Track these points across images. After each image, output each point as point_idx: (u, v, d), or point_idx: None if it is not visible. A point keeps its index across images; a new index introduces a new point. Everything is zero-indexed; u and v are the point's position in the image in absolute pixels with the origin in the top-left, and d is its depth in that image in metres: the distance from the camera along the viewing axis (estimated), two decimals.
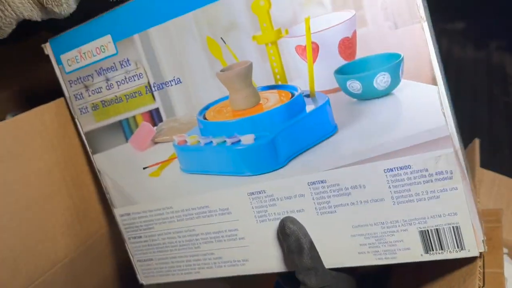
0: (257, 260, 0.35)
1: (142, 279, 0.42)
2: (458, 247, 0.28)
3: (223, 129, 0.33)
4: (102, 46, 0.36)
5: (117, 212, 0.40)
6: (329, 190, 0.30)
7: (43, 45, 0.38)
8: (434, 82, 0.26)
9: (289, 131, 0.30)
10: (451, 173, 0.27)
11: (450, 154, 0.26)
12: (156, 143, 0.37)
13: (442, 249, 0.29)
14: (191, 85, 0.33)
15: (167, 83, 0.34)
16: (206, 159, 0.34)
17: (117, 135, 0.38)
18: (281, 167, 0.31)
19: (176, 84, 0.34)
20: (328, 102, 0.29)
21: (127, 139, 0.37)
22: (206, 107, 0.34)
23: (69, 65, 0.38)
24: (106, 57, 0.36)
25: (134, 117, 0.37)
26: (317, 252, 0.32)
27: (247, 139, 0.32)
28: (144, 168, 0.37)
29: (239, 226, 0.35)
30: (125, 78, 0.36)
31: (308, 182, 0.31)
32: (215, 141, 0.34)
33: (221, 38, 0.31)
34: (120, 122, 0.37)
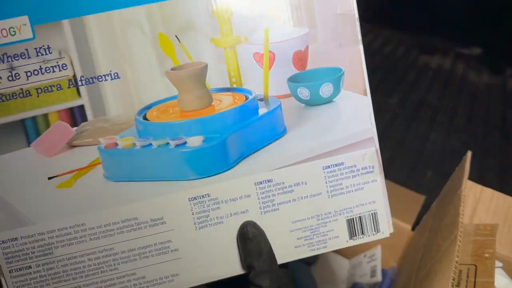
0: (189, 271, 0.34)
1: None
2: (375, 231, 0.35)
3: (168, 131, 0.32)
4: (12, 28, 0.29)
5: None
6: (274, 189, 0.33)
7: None
8: (365, 93, 0.34)
9: (241, 132, 0.32)
10: (373, 167, 0.34)
11: (373, 152, 0.34)
12: (73, 146, 0.32)
13: (363, 234, 0.35)
14: (132, 82, 0.31)
15: (100, 77, 0.31)
16: (140, 164, 0.32)
17: (14, 137, 0.31)
18: (229, 169, 0.33)
19: (112, 79, 0.31)
20: (279, 106, 0.33)
21: (29, 143, 0.31)
22: (148, 107, 0.32)
23: None
24: (16, 42, 0.30)
25: (45, 115, 0.31)
26: (274, 255, 0.34)
27: (195, 140, 0.32)
28: (49, 178, 0.32)
29: (173, 236, 0.33)
30: (40, 68, 0.30)
31: (255, 182, 0.33)
32: (156, 143, 0.32)
33: (176, 36, 0.31)
34: (22, 121, 0.31)
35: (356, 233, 0.36)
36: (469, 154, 0.43)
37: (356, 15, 0.33)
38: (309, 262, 0.68)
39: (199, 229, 0.34)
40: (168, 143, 0.32)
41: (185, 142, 0.33)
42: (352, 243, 0.36)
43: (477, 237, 0.41)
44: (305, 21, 0.33)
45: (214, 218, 0.34)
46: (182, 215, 0.33)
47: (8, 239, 0.32)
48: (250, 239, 0.33)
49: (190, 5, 0.31)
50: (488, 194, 0.52)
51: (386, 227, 0.36)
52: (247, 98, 0.33)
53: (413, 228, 0.64)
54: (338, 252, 0.69)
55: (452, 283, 0.34)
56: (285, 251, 0.35)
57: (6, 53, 0.30)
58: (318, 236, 0.36)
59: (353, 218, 0.36)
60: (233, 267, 0.35)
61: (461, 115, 1.42)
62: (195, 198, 0.33)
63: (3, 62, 0.30)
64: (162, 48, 0.32)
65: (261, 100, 0.33)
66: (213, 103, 0.33)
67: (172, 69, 0.32)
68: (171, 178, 0.33)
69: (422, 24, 1.84)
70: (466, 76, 1.53)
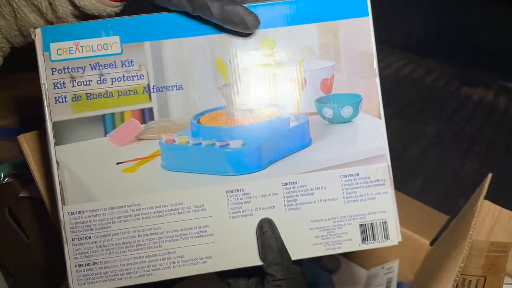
0: (221, 255, 0.38)
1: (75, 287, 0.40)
2: (385, 238, 0.40)
3: (215, 134, 0.39)
4: (106, 44, 0.38)
5: (67, 210, 0.38)
6: (298, 190, 0.39)
7: (31, 29, 0.38)
8: (380, 117, 0.40)
9: (274, 140, 0.39)
10: (384, 181, 0.40)
11: (385, 167, 0.40)
12: (140, 139, 0.39)
13: (374, 240, 0.40)
14: (192, 93, 0.39)
15: (168, 87, 0.39)
16: (191, 158, 0.39)
17: (95, 128, 0.38)
18: (261, 169, 0.39)
19: (177, 89, 0.39)
20: (307, 121, 0.39)
21: (106, 133, 0.39)
22: (202, 113, 0.39)
23: (58, 54, 0.38)
24: (107, 55, 0.38)
25: (122, 113, 0.39)
26: (286, 250, 0.38)
27: (236, 143, 0.39)
28: (118, 163, 0.38)
29: (210, 222, 0.38)
30: (123, 77, 0.38)
31: (282, 183, 0.39)
32: (205, 143, 0.39)
33: (229, 60, 0.39)
34: (102, 116, 0.38)
35: (368, 238, 0.40)
36: (489, 176, 0.47)
37: (374, 54, 0.40)
38: (331, 270, 0.71)
39: (232, 218, 0.39)
40: (214, 144, 0.39)
41: (228, 144, 0.39)
42: (364, 247, 0.40)
43: (490, 253, 0.43)
44: (332, 56, 0.40)
45: (245, 210, 0.39)
46: (219, 204, 0.39)
47: (76, 211, 0.39)
48: (264, 233, 0.38)
49: (242, 38, 0.39)
50: (507, 215, 0.53)
51: (395, 236, 0.40)
52: (281, 113, 0.40)
53: (431, 244, 0.66)
54: (358, 262, 0.71)
55: (452, 285, 0.36)
56: (304, 246, 0.40)
57: (98, 63, 0.39)
58: (333, 237, 0.40)
59: (365, 224, 0.40)
60: (255, 257, 0.39)
61: (499, 147, 1.41)
62: (231, 191, 0.39)
63: (95, 69, 0.39)
64: (218, 68, 0.39)
65: (293, 115, 0.39)
66: (253, 115, 0.40)
67: (223, 85, 0.40)
68: (214, 172, 0.39)
69: (466, 56, 1.86)
70: (508, 110, 1.52)
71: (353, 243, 0.40)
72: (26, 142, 0.43)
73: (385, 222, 0.40)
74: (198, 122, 0.40)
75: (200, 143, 0.39)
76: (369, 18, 0.40)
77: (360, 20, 0.40)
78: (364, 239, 0.40)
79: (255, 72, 0.40)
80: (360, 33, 0.40)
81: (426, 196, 1.21)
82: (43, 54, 0.38)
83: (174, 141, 0.39)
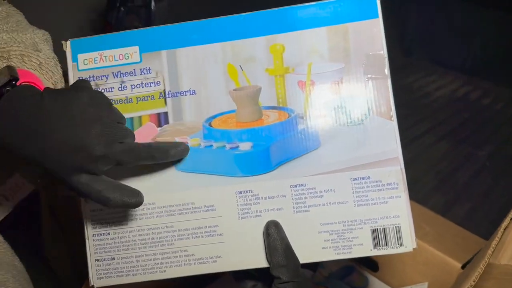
0: (230, 256, 0.39)
1: (95, 282, 0.40)
2: (398, 244, 0.38)
3: (225, 136, 0.40)
4: (127, 54, 0.41)
5: (88, 207, 0.40)
6: (306, 192, 0.39)
7: (63, 41, 0.42)
8: (392, 119, 0.39)
9: (283, 142, 0.39)
10: (397, 184, 0.38)
11: (398, 170, 0.38)
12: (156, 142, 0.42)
13: (386, 245, 0.38)
14: (204, 98, 0.40)
15: (182, 92, 0.40)
16: (202, 159, 0.40)
17: None
18: (270, 171, 0.39)
19: (190, 94, 0.40)
20: (316, 123, 0.39)
21: None
22: (213, 117, 0.40)
23: (85, 64, 0.41)
24: (128, 63, 0.41)
25: (140, 117, 0.41)
26: (292, 252, 0.38)
27: (245, 146, 0.39)
28: None
29: (220, 222, 0.39)
30: (142, 83, 0.41)
31: (291, 185, 0.39)
32: (216, 145, 0.40)
33: (240, 66, 0.40)
34: None
35: (380, 243, 0.38)
36: None
37: (386, 56, 0.39)
38: None
39: (241, 219, 0.39)
40: (224, 146, 0.40)
41: (238, 146, 0.40)
42: (376, 252, 0.38)
43: None
44: (341, 59, 0.39)
45: (254, 211, 0.39)
46: (229, 205, 0.39)
47: (97, 209, 0.41)
48: (269, 235, 0.38)
49: (253, 44, 0.40)
50: None
51: (409, 242, 0.38)
52: (289, 115, 0.40)
53: (463, 267, 0.62)
54: (386, 281, 0.67)
55: None
56: (313, 250, 0.39)
57: (120, 71, 0.42)
58: (343, 241, 0.39)
59: (377, 229, 0.38)
60: (263, 259, 0.39)
61: None
62: (240, 192, 0.39)
63: (117, 77, 0.42)
64: (229, 74, 0.41)
65: (301, 118, 0.39)
66: (262, 118, 0.40)
67: (234, 90, 0.40)
68: (224, 173, 0.40)
69: None
70: None
71: (364, 248, 0.38)
72: None
73: (398, 227, 0.38)
74: (210, 125, 0.41)
75: (211, 145, 0.40)
76: (379, 20, 0.39)
77: (370, 22, 0.39)
78: (376, 244, 0.38)
79: (265, 76, 0.40)
80: (370, 35, 0.39)
81: (472, 222, 1.15)
82: (72, 64, 0.42)
83: (187, 143, 0.41)
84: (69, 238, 0.62)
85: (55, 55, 0.45)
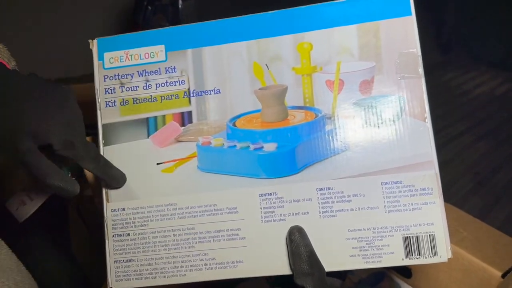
0: (252, 261, 0.36)
1: (113, 284, 0.39)
2: (432, 253, 0.35)
3: (250, 136, 0.37)
4: (153, 52, 0.40)
5: (110, 207, 0.39)
6: (333, 196, 0.36)
7: (90, 40, 0.41)
8: (426, 121, 0.36)
9: (309, 143, 0.37)
10: (431, 190, 0.35)
11: (432, 175, 0.35)
12: (179, 141, 0.39)
13: (419, 255, 0.35)
14: (229, 97, 0.38)
15: (207, 91, 0.39)
16: (225, 160, 0.38)
17: (139, 130, 0.39)
18: (295, 173, 0.37)
19: (215, 93, 0.39)
20: (344, 124, 0.36)
21: (148, 135, 0.40)
22: (238, 116, 0.38)
23: (110, 63, 0.40)
24: (153, 62, 0.40)
25: (163, 116, 0.39)
26: (317, 259, 0.35)
27: (270, 146, 0.37)
28: (158, 164, 0.39)
29: (243, 225, 0.37)
30: (166, 82, 0.39)
31: (317, 188, 0.36)
32: (239, 145, 0.38)
33: (266, 64, 0.38)
34: (146, 119, 0.40)
35: (413, 252, 0.35)
36: None
37: (419, 54, 0.36)
38: None
39: (265, 222, 0.37)
40: (248, 146, 0.38)
41: (262, 147, 0.38)
42: (408, 262, 0.35)
43: None
44: (372, 57, 0.37)
45: (278, 214, 0.37)
46: (252, 207, 0.37)
47: (118, 209, 0.39)
48: (292, 242, 0.35)
49: (279, 42, 0.38)
50: None
51: (444, 252, 0.34)
52: (316, 116, 0.37)
53: (503, 276, 0.57)
54: None
55: None
56: (340, 258, 0.36)
57: (145, 70, 0.40)
58: (373, 249, 0.36)
59: (409, 237, 0.35)
60: (286, 266, 0.36)
61: None
62: (264, 195, 0.37)
63: (142, 76, 0.40)
64: (254, 73, 0.39)
65: (329, 118, 0.37)
66: (288, 118, 0.38)
67: (259, 89, 0.38)
68: (248, 175, 0.37)
69: None
70: None
71: (395, 257, 0.35)
72: None
73: (432, 235, 0.35)
74: (234, 125, 0.39)
75: (234, 146, 0.38)
76: (413, 17, 0.37)
77: (402, 20, 0.36)
78: (408, 253, 0.35)
79: (291, 75, 0.38)
80: (403, 33, 0.37)
81: None
82: (98, 63, 0.41)
83: (210, 143, 0.39)
84: (95, 238, 0.61)
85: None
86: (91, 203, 0.58)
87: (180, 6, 1.31)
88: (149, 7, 1.31)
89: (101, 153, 0.40)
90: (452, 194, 1.25)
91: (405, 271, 0.62)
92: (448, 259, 0.35)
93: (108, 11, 1.50)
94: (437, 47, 2.00)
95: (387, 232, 0.35)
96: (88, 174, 0.43)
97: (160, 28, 0.41)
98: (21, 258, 0.43)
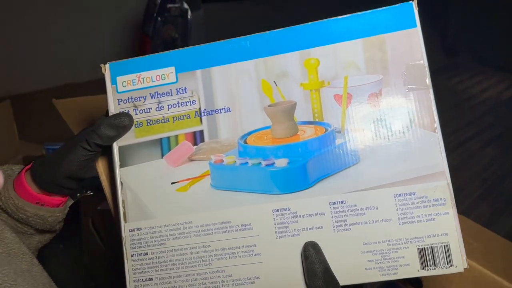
0: (268, 277, 0.36)
1: None
2: (447, 264, 0.34)
3: (261, 153, 0.37)
4: (164, 74, 0.40)
5: (128, 227, 0.39)
6: (347, 210, 0.35)
7: (102, 65, 0.42)
8: (436, 131, 0.35)
9: (320, 158, 0.36)
10: (444, 200, 0.34)
11: (444, 185, 0.34)
12: (192, 160, 0.40)
13: (435, 266, 0.34)
14: (239, 114, 0.38)
15: (217, 110, 0.39)
16: (238, 177, 0.38)
17: (153, 151, 0.40)
18: (308, 188, 0.36)
19: (225, 112, 0.39)
20: (355, 138, 0.36)
21: (162, 155, 0.40)
22: (248, 133, 0.38)
23: (124, 86, 0.41)
24: (164, 84, 0.40)
25: (176, 136, 0.39)
26: (332, 276, 0.34)
27: (281, 162, 0.37)
28: (172, 183, 0.39)
29: (257, 242, 0.36)
30: (178, 103, 0.40)
31: (330, 202, 0.36)
32: (251, 162, 0.38)
33: (274, 81, 0.38)
34: (160, 140, 0.40)
35: (428, 263, 0.34)
36: None
37: (426, 66, 0.36)
38: None
39: (279, 238, 0.37)
40: (260, 163, 0.37)
41: (274, 163, 0.37)
42: (424, 273, 0.34)
43: None
44: (379, 70, 0.37)
45: (292, 230, 0.36)
46: (266, 223, 0.37)
47: (136, 228, 0.39)
48: (307, 258, 0.35)
49: (286, 59, 0.38)
50: None
51: (460, 262, 0.34)
52: (326, 130, 0.37)
53: None
54: None
55: None
56: (356, 271, 0.35)
57: (157, 92, 0.41)
58: (388, 262, 0.35)
59: (424, 248, 0.34)
60: (302, 282, 0.36)
61: None
62: (277, 210, 0.37)
63: (154, 98, 0.41)
64: (263, 90, 0.39)
65: (339, 132, 0.37)
66: (298, 133, 0.38)
67: (269, 106, 0.38)
68: (261, 191, 0.37)
69: None
70: None
71: (410, 269, 0.34)
72: (101, 163, 0.46)
73: (447, 246, 0.34)
74: (245, 142, 0.39)
75: (246, 163, 0.38)
76: (418, 29, 0.36)
77: (408, 32, 0.36)
78: (424, 264, 0.34)
79: (299, 91, 0.38)
80: (408, 45, 0.36)
81: None
82: (111, 87, 0.42)
83: (223, 161, 0.39)
84: (109, 250, 0.61)
85: None
86: (104, 217, 0.58)
87: (189, 17, 1.33)
88: (159, 18, 1.33)
89: (117, 174, 0.40)
90: (461, 200, 1.22)
91: (416, 283, 0.61)
92: (464, 269, 0.34)
93: (117, 21, 1.52)
94: (443, 51, 1.97)
95: (402, 244, 0.35)
96: (107, 192, 0.44)
97: (170, 51, 0.41)
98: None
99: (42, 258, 0.50)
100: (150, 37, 1.35)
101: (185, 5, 1.34)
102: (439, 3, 1.98)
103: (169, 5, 1.35)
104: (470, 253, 0.58)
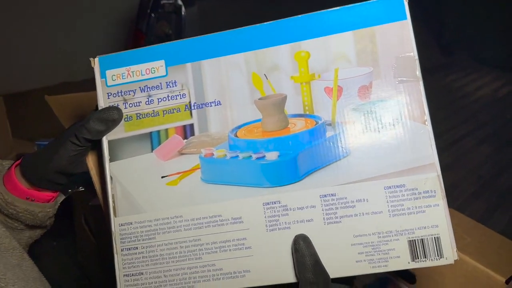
0: (259, 270, 0.36)
1: None
2: (438, 255, 0.34)
3: (251, 146, 0.37)
4: (153, 68, 0.40)
5: (117, 221, 0.39)
6: (337, 202, 0.35)
7: (91, 59, 0.41)
8: (426, 123, 0.35)
9: (310, 151, 0.36)
10: (435, 192, 0.34)
11: (434, 177, 0.34)
12: (182, 154, 0.39)
13: (425, 257, 0.34)
14: (229, 108, 0.38)
15: (207, 103, 0.39)
16: (228, 171, 0.37)
17: (143, 145, 0.39)
18: (298, 181, 0.36)
19: (216, 105, 0.38)
20: (345, 130, 0.36)
21: (152, 149, 0.39)
22: (239, 127, 0.38)
23: (113, 80, 0.40)
24: (154, 77, 0.40)
25: (166, 130, 0.39)
26: (322, 268, 0.34)
27: (272, 155, 0.37)
28: (162, 177, 0.38)
29: (248, 235, 0.36)
30: (168, 97, 0.39)
31: (320, 195, 0.35)
32: (241, 155, 0.37)
33: (264, 74, 0.38)
34: (150, 133, 0.39)
35: (418, 255, 0.34)
36: None
37: (416, 58, 0.36)
38: None
39: (270, 231, 0.36)
40: (250, 156, 0.37)
41: (264, 156, 0.37)
42: (414, 265, 0.34)
43: None
44: (370, 62, 0.36)
45: (283, 223, 0.36)
46: (256, 217, 0.37)
47: (126, 223, 0.39)
48: (297, 251, 0.35)
49: (276, 52, 0.38)
50: None
51: (450, 254, 0.34)
52: (317, 123, 0.37)
53: (507, 282, 0.55)
54: None
55: None
56: (346, 263, 0.35)
57: (147, 85, 0.40)
58: (379, 254, 0.35)
59: (415, 240, 0.34)
60: (292, 275, 0.36)
61: None
62: (268, 204, 0.36)
63: (144, 91, 0.40)
64: (253, 83, 0.38)
65: (329, 125, 0.36)
66: (289, 126, 0.38)
67: (259, 99, 0.38)
68: (251, 184, 0.37)
69: None
70: None
71: (401, 261, 0.34)
72: (92, 158, 0.45)
73: (437, 238, 0.34)
74: (235, 135, 0.38)
75: (237, 156, 0.38)
76: (408, 22, 0.36)
77: (398, 24, 0.36)
78: (414, 256, 0.34)
79: (290, 84, 0.38)
80: (399, 37, 0.36)
81: None
82: (100, 81, 0.41)
83: (213, 154, 0.38)
84: (102, 246, 0.61)
85: None
86: (96, 212, 0.58)
87: (183, 14, 1.32)
88: (153, 15, 1.32)
89: (107, 169, 0.40)
90: (455, 197, 1.22)
91: (409, 277, 0.61)
92: (455, 261, 0.34)
93: (111, 18, 1.51)
94: (439, 49, 1.97)
95: (392, 236, 0.34)
96: (97, 187, 0.43)
97: (160, 44, 0.41)
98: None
99: (35, 255, 0.50)
100: (144, 33, 1.34)
101: (179, 1, 1.34)
102: (434, 1, 1.99)
103: (163, 1, 1.34)
104: (463, 247, 0.58)
